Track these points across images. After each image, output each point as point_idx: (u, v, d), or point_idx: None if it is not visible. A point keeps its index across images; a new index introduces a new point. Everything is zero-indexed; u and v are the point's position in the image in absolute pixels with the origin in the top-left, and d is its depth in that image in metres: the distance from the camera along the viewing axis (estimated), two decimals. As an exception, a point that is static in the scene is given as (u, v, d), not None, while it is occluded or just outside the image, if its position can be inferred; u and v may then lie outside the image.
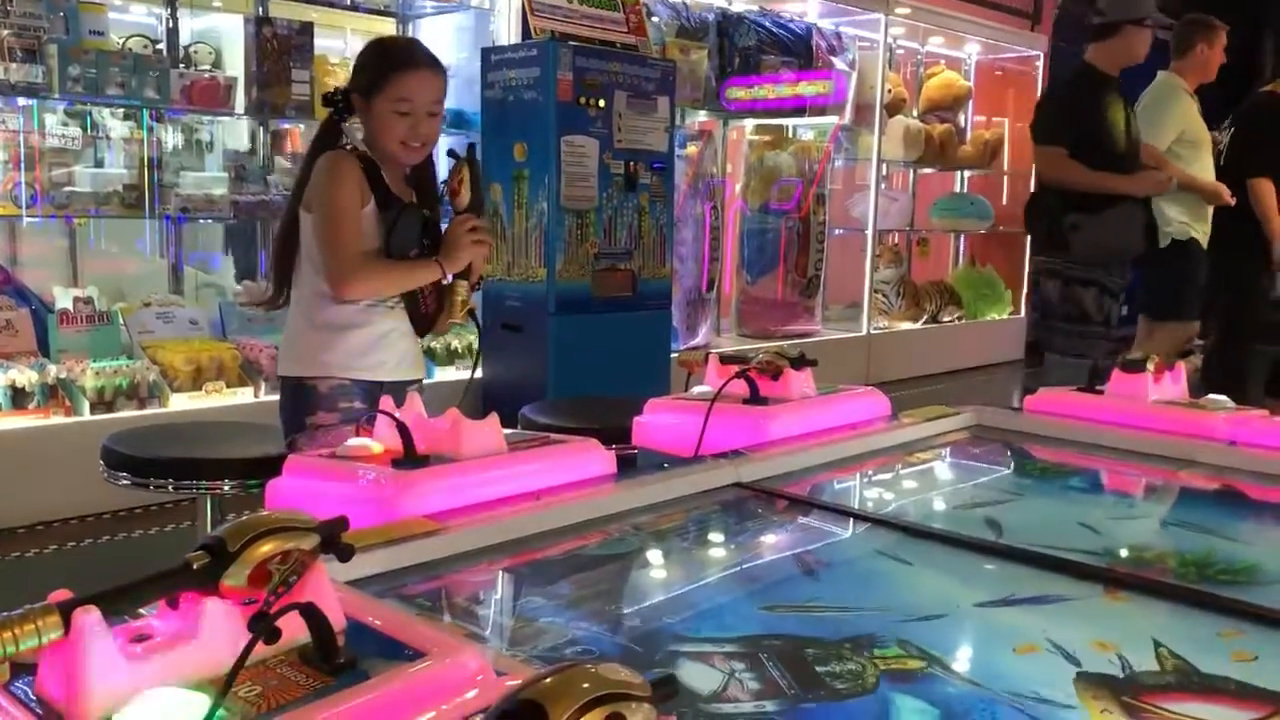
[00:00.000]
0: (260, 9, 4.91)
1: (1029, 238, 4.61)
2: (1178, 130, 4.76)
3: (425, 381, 4.89)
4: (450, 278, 2.37)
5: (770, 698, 0.95)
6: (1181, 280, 4.91)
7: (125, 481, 2.35)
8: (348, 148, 2.35)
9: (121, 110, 4.71)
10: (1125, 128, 4.24)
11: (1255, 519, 1.71)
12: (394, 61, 2.32)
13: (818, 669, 1.01)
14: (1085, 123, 4.17)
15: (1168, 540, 1.48)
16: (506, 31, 5.47)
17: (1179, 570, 1.36)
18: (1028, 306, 9.07)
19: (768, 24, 6.93)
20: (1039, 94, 4.79)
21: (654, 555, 1.42)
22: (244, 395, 4.42)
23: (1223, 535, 1.63)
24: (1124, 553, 1.45)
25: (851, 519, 1.58)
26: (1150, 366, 2.01)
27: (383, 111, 2.30)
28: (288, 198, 2.51)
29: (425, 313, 2.41)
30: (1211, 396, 1.99)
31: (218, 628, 0.82)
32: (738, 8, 6.90)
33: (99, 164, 4.69)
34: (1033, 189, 4.59)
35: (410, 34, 5.78)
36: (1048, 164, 4.26)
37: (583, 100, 4.77)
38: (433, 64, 2.36)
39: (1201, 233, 4.86)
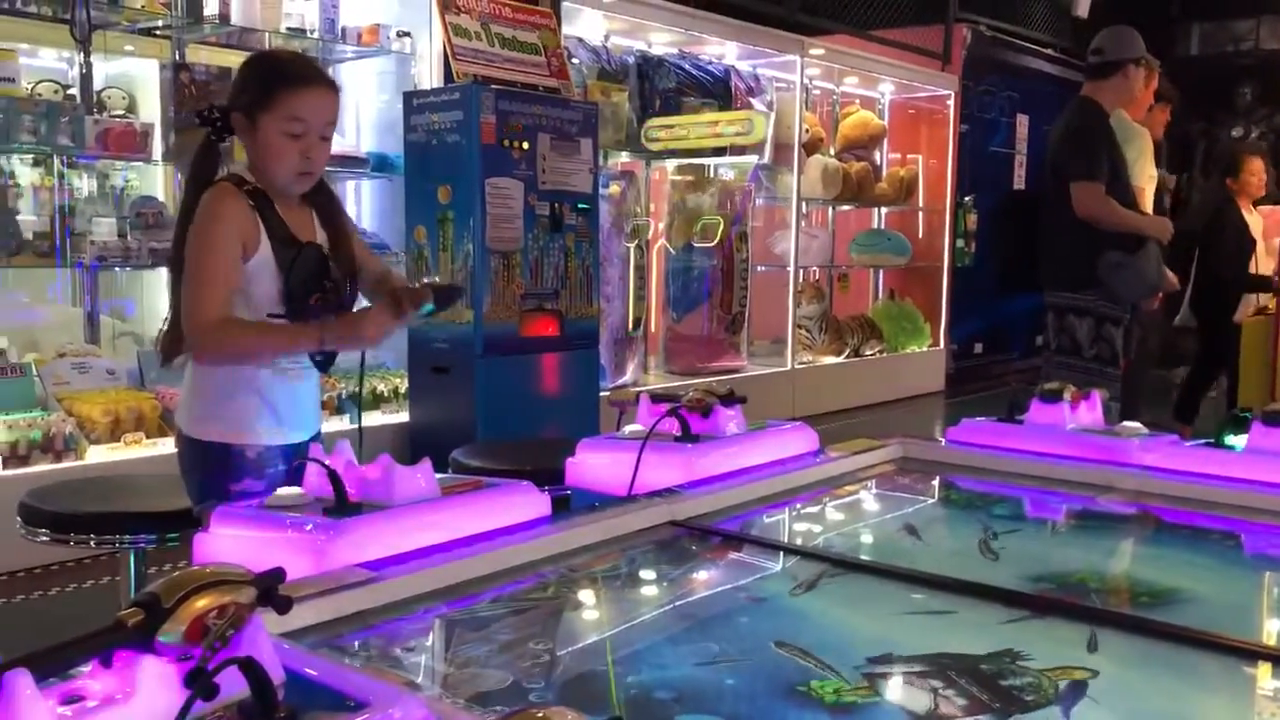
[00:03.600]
0: (177, 54, 4.85)
1: (1047, 274, 4.37)
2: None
3: (350, 427, 4.85)
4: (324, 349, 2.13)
5: None
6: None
7: (44, 538, 2.28)
8: (234, 178, 2.10)
9: (30, 156, 4.60)
10: (1122, 166, 4.25)
11: (1171, 543, 1.76)
12: (287, 77, 2.08)
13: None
14: (1111, 158, 4.14)
15: (1090, 565, 1.52)
16: (429, 75, 5.48)
17: (1101, 593, 1.40)
18: (947, 339, 9.28)
19: (687, 66, 7.03)
20: (1058, 130, 4.36)
21: (591, 596, 1.42)
22: (164, 446, 4.31)
23: (1141, 559, 1.68)
24: (1046, 578, 1.49)
25: (786, 554, 1.60)
26: (1067, 395, 2.07)
27: (271, 133, 2.06)
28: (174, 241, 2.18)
29: (331, 353, 2.20)
30: (1126, 423, 2.06)
31: (154, 686, 0.80)
32: (657, 50, 6.99)
33: (9, 211, 4.57)
34: (1047, 225, 4.37)
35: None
36: (1089, 200, 4.06)
37: (506, 143, 4.79)
38: (328, 82, 2.14)
39: None
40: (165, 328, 2.18)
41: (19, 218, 4.50)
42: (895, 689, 1.08)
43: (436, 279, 2.24)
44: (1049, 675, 1.08)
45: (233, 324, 2.06)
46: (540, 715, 0.65)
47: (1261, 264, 6.30)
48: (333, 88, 2.15)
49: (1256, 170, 6.31)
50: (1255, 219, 6.37)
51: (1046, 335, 4.42)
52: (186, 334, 2.07)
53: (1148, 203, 4.60)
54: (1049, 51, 10.47)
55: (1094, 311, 4.19)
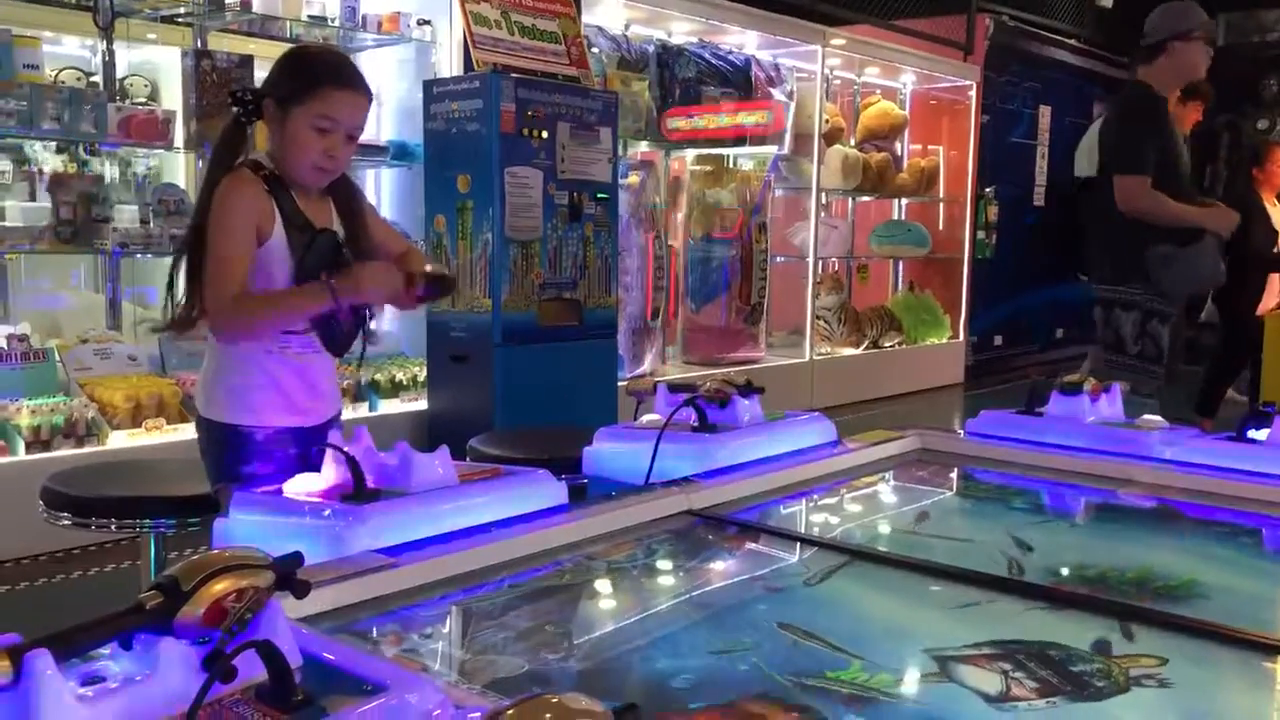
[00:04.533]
0: (199, 41, 4.87)
1: (1094, 265, 4.18)
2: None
3: (370, 414, 4.87)
4: (338, 305, 2.10)
5: None
6: None
7: (66, 522, 2.30)
8: (252, 163, 2.14)
9: (54, 144, 4.63)
10: (1181, 152, 4.02)
11: (1191, 536, 1.75)
12: (325, 75, 2.12)
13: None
14: (1160, 149, 3.91)
15: (1109, 558, 1.52)
16: (448, 64, 5.48)
17: (1121, 587, 1.39)
18: (966, 331, 9.23)
19: (707, 55, 7.01)
20: (1107, 117, 4.24)
21: (607, 585, 1.42)
22: (185, 431, 4.34)
23: (1161, 553, 1.67)
24: (1066, 571, 1.48)
25: (804, 544, 1.59)
26: (1087, 388, 2.06)
27: (300, 125, 2.09)
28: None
29: (343, 336, 2.22)
30: (1146, 416, 2.04)
31: (172, 668, 0.81)
32: (677, 40, 6.97)
33: (32, 198, 4.61)
34: (1093, 217, 4.17)
35: (351, 66, 5.75)
36: (1132, 195, 3.85)
37: (526, 131, 4.78)
38: (363, 86, 2.19)
39: None
40: (179, 309, 2.18)
41: (43, 204, 4.52)
42: (969, 673, 1.09)
43: (429, 268, 2.23)
44: (1119, 663, 1.09)
45: (245, 298, 2.09)
46: (555, 701, 0.65)
47: None
48: (368, 94, 2.21)
49: None
50: (1278, 211, 6.31)
51: (1096, 330, 4.24)
52: (207, 316, 2.11)
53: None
54: (1072, 42, 10.38)
55: (1141, 306, 3.96)
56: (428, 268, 2.21)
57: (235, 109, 2.16)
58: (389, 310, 2.29)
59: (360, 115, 2.18)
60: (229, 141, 2.17)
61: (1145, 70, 4.07)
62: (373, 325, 2.30)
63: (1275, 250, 6.16)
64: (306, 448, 2.16)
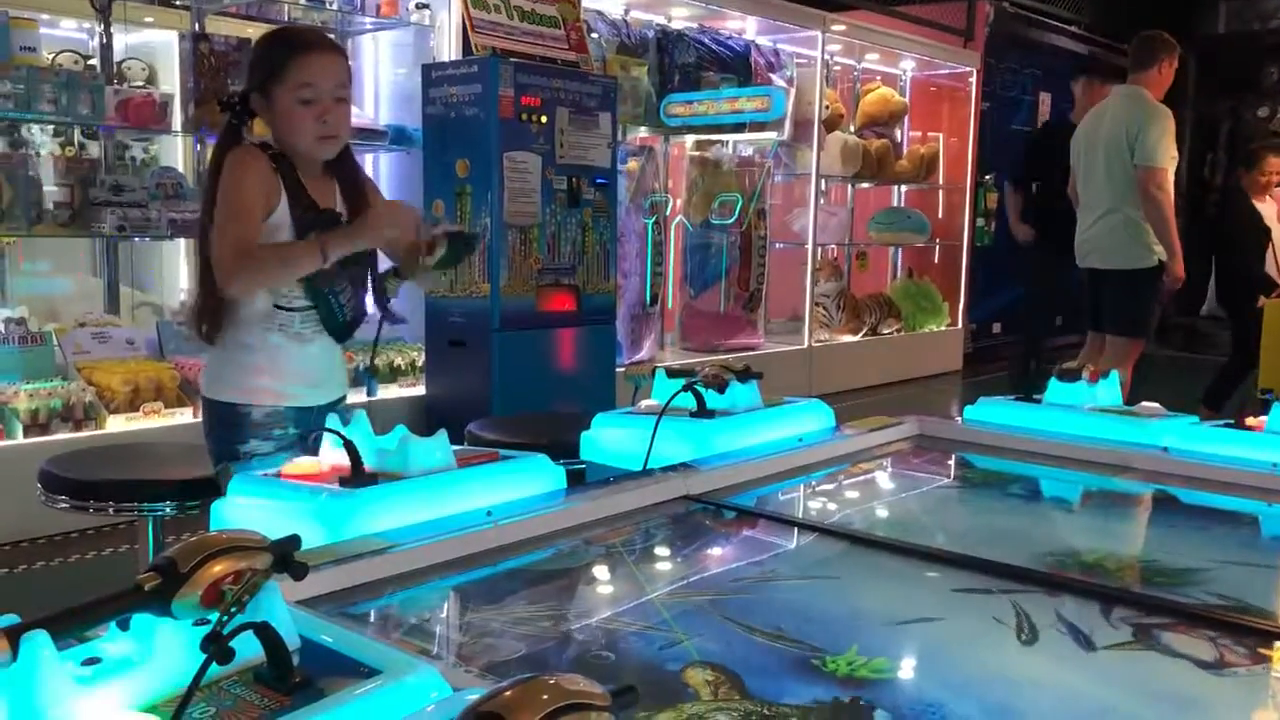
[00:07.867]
0: (197, 25, 4.85)
1: None
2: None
3: (369, 399, 4.87)
4: (328, 263, 2.10)
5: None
6: (1154, 299, 4.92)
7: (64, 505, 2.30)
8: (260, 144, 2.16)
9: (51, 127, 4.62)
10: None
11: (1188, 523, 1.75)
12: (291, 46, 2.14)
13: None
14: None
15: (1106, 545, 1.52)
16: (447, 48, 5.46)
17: (1118, 574, 1.39)
18: (965, 318, 9.23)
19: (707, 41, 6.99)
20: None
21: (605, 569, 1.42)
22: (183, 416, 4.35)
23: (1158, 539, 1.68)
24: (1065, 558, 1.48)
25: (801, 529, 1.59)
26: (1085, 375, 2.06)
27: (286, 104, 2.11)
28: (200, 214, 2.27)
29: (345, 322, 2.23)
30: (1145, 404, 2.04)
31: (170, 649, 0.81)
32: (677, 25, 6.95)
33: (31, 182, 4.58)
34: None
35: (350, 51, 5.74)
36: None
37: (525, 117, 4.77)
38: (332, 46, 2.20)
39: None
40: (196, 302, 2.19)
41: (42, 188, 4.51)
42: (1165, 637, 1.12)
43: (449, 226, 2.23)
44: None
45: (253, 249, 2.09)
46: (552, 683, 0.65)
47: (1278, 252, 6.22)
48: (336, 50, 2.21)
49: (1271, 170, 6.18)
50: (1267, 207, 6.27)
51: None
52: (215, 267, 2.10)
53: (1170, 182, 4.55)
54: (1072, 29, 10.35)
55: None
56: (450, 226, 2.20)
57: (227, 115, 2.18)
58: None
59: (336, 74, 2.16)
60: (226, 143, 2.18)
61: None
62: (393, 305, 2.32)
63: (1270, 257, 6.16)
64: (308, 428, 2.17)
